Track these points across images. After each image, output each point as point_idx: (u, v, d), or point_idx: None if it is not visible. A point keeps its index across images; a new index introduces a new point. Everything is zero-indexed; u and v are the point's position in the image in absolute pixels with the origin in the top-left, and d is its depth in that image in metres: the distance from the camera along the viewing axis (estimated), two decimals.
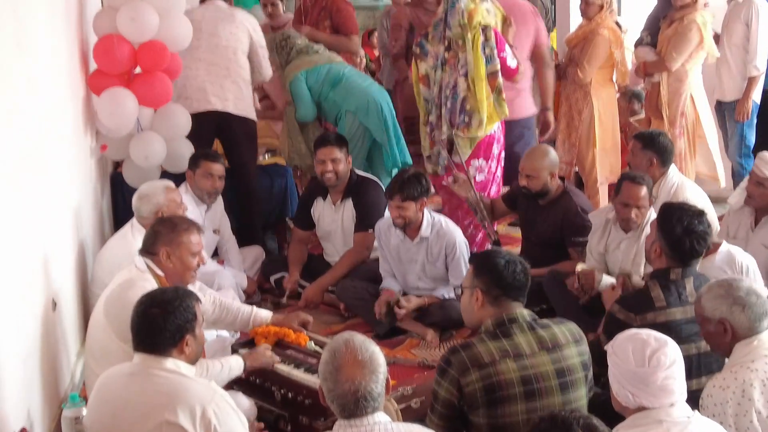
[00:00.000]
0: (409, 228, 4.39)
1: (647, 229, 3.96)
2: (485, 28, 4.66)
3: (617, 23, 6.01)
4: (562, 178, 4.73)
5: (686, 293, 3.06)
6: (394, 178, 4.45)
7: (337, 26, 5.96)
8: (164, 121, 4.70)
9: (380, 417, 2.20)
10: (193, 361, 2.59)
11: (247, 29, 5.15)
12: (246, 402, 3.26)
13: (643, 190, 3.93)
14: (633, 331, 2.38)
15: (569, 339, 2.67)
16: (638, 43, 6.03)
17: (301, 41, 5.47)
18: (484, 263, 2.75)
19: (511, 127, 5.13)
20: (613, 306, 3.15)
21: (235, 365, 3.22)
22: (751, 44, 5.59)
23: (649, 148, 4.34)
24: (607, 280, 3.90)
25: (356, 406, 2.17)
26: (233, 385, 3.41)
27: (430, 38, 4.82)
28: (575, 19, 6.93)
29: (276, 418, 3.35)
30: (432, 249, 4.41)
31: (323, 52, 5.50)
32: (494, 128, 4.82)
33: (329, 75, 5.37)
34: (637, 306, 3.06)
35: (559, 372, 2.60)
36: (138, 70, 4.55)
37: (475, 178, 4.80)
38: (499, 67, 4.71)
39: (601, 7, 5.65)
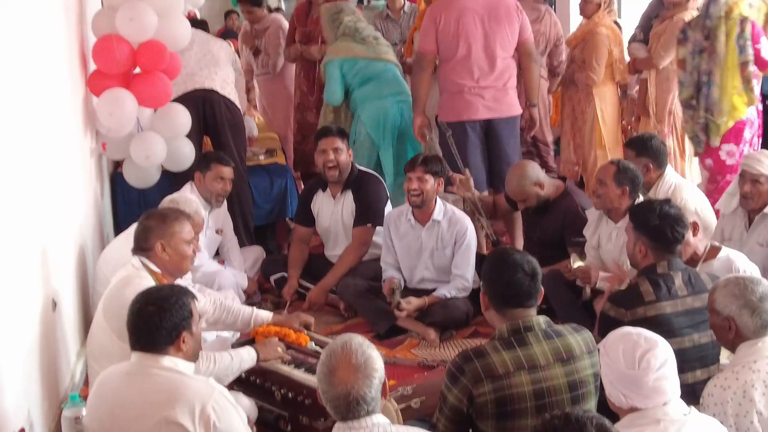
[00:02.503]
0: (422, 211, 4.43)
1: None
2: (743, 20, 4.79)
3: (616, 23, 6.03)
4: (563, 178, 4.71)
5: (675, 287, 3.08)
6: (415, 155, 4.58)
7: None
8: (164, 120, 4.69)
9: (379, 419, 2.20)
10: (191, 359, 2.58)
11: (230, 55, 5.37)
12: (246, 402, 3.26)
13: (609, 169, 3.98)
14: (624, 330, 2.37)
15: (583, 350, 2.62)
16: (632, 40, 6.05)
17: (349, 19, 5.47)
18: (484, 271, 2.71)
19: (494, 125, 5.06)
20: (604, 305, 3.16)
21: (246, 357, 3.22)
22: None
23: (643, 155, 4.33)
24: (604, 276, 3.92)
25: (348, 409, 2.17)
26: (233, 385, 3.41)
27: (692, 25, 4.98)
28: (575, 20, 6.95)
29: (276, 418, 3.36)
30: (444, 234, 4.45)
31: (374, 44, 5.47)
32: (746, 114, 4.92)
33: (364, 71, 5.43)
34: (627, 301, 3.07)
35: (571, 385, 2.57)
36: (137, 70, 4.55)
37: (725, 162, 4.92)
38: (751, 57, 4.82)
39: (599, 5, 5.67)
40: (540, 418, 1.96)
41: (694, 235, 3.52)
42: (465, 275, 4.43)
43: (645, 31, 6.01)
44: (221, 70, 5.18)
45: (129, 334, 2.55)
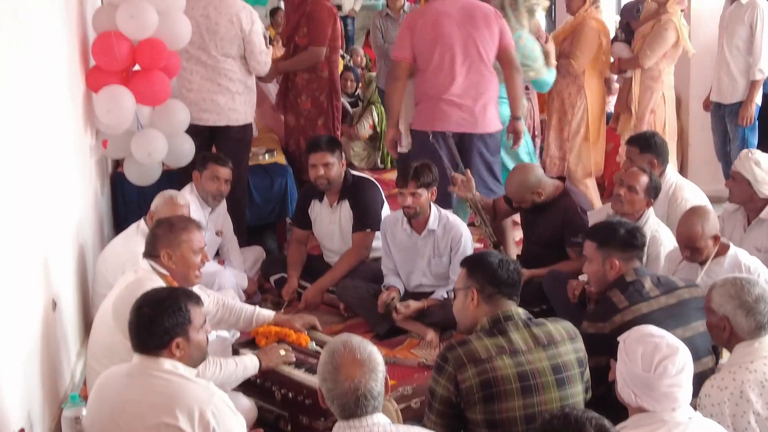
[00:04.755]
0: (417, 220, 4.40)
1: (644, 230, 4.00)
2: None
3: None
4: (561, 178, 4.71)
5: (646, 290, 3.11)
6: (404, 167, 4.41)
7: (308, 34, 5.68)
8: (164, 117, 4.69)
9: (379, 418, 2.20)
10: (190, 364, 2.56)
11: (237, 25, 4.94)
12: (246, 402, 3.26)
13: (641, 177, 3.97)
14: (647, 330, 2.37)
15: (564, 336, 2.70)
16: (613, 40, 6.08)
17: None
18: (478, 263, 2.80)
19: (467, 139, 4.82)
20: (582, 325, 3.12)
21: (250, 364, 3.23)
22: (755, 47, 5.50)
23: (648, 151, 4.34)
24: None
25: (357, 405, 2.17)
26: None
27: None
28: None
29: (276, 418, 3.36)
30: (439, 242, 4.42)
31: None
32: None
33: None
34: (603, 315, 3.08)
35: (555, 368, 2.62)
36: (137, 67, 4.55)
37: None
38: None
39: (584, 0, 5.70)
40: (540, 419, 1.97)
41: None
42: None
43: (626, 32, 6.07)
44: (225, 96, 4.97)
45: (129, 336, 2.55)
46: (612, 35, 6.19)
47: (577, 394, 2.66)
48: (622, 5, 6.64)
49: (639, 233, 3.26)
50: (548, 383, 2.59)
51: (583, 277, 4.02)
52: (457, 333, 4.33)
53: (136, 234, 3.98)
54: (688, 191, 4.36)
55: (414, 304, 4.34)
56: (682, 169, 6.46)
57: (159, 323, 2.48)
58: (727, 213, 4.20)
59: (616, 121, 6.06)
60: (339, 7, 11.19)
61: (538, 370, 2.59)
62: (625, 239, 3.21)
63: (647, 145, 4.37)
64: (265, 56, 5.11)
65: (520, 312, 2.71)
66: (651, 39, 5.60)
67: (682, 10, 5.76)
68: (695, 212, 3.63)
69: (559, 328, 2.71)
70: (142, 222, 4.08)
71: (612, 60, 5.94)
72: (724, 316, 2.68)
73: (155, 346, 2.49)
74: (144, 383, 2.47)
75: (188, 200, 4.32)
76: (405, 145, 5.06)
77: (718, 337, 2.76)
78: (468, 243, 4.43)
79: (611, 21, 7.58)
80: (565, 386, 2.62)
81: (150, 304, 2.53)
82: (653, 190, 3.99)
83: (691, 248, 3.53)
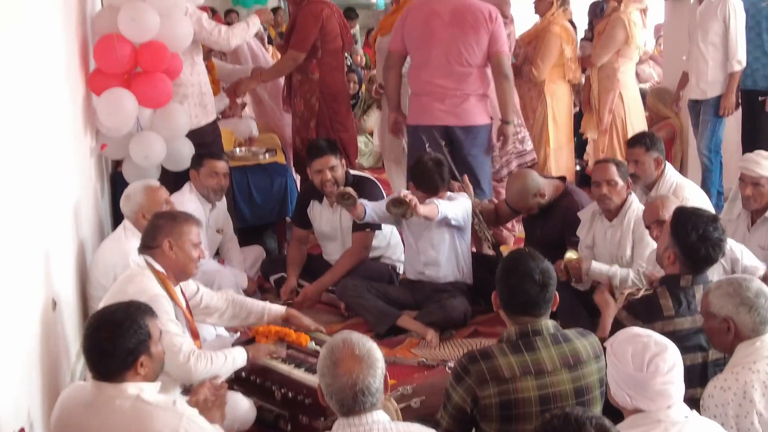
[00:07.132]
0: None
1: (629, 215, 4.07)
2: None
3: (571, 21, 6.05)
4: (562, 178, 4.71)
5: (695, 302, 2.98)
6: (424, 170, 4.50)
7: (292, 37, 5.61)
8: (164, 120, 4.69)
9: (379, 416, 2.20)
10: (152, 380, 2.44)
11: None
12: (245, 402, 3.27)
13: (611, 168, 4.06)
14: (634, 331, 2.36)
15: (590, 355, 2.61)
16: (583, 39, 6.15)
17: None
18: (498, 278, 2.65)
19: (454, 132, 4.91)
20: (620, 313, 3.08)
21: (238, 356, 3.23)
22: (731, 40, 5.56)
23: (653, 149, 4.35)
24: (596, 266, 3.96)
25: (354, 400, 2.17)
26: (233, 385, 3.41)
27: None
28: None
29: (276, 418, 3.36)
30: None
31: None
32: None
33: None
34: (645, 314, 2.97)
35: (578, 391, 2.55)
36: (138, 69, 4.55)
37: None
38: None
39: (551, 4, 5.71)
40: (540, 418, 1.96)
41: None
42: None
43: (591, 30, 6.13)
44: (183, 98, 4.85)
45: (85, 360, 2.43)
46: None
47: (589, 410, 2.60)
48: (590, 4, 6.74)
49: (709, 252, 2.98)
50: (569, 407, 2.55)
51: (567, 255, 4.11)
52: (457, 333, 4.36)
53: (124, 233, 3.95)
54: (688, 190, 4.35)
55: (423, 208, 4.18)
56: (682, 169, 6.47)
57: (121, 346, 2.34)
58: (729, 215, 4.19)
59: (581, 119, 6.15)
60: None
61: (560, 393, 2.52)
62: (691, 248, 2.99)
63: (652, 142, 4.37)
64: (219, 32, 4.90)
65: (550, 326, 2.59)
66: (602, 37, 5.66)
67: (642, 10, 5.78)
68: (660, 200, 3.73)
69: (586, 344, 2.61)
70: (126, 222, 4.03)
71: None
72: (726, 316, 2.64)
73: (119, 369, 2.35)
74: (107, 415, 2.33)
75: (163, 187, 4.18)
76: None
77: (720, 340, 2.71)
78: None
79: (584, 21, 7.64)
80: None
81: (108, 327, 2.37)
82: (626, 173, 4.10)
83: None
